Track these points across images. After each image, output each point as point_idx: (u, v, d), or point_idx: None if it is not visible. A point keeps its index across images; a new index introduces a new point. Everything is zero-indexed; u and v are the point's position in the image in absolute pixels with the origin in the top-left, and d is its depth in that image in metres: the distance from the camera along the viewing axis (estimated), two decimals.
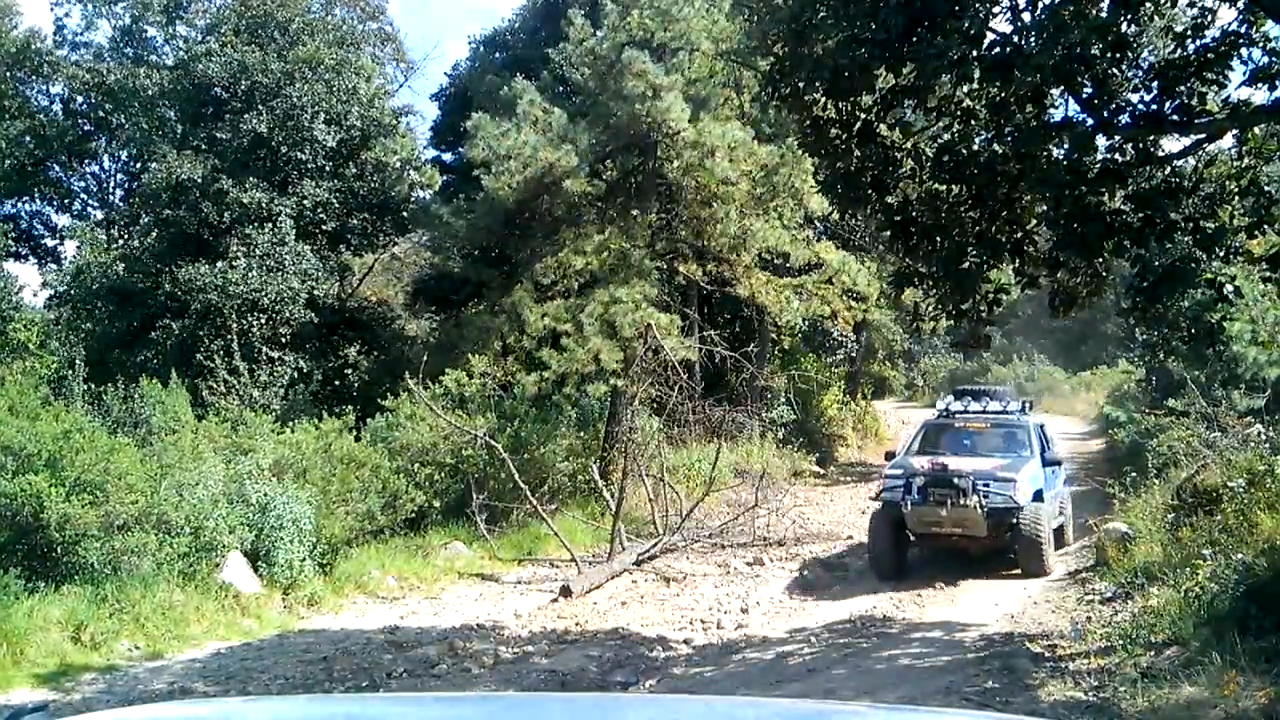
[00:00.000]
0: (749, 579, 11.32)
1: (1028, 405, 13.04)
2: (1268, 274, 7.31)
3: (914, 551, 11.43)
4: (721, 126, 15.64)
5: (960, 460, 11.06)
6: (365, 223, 21.33)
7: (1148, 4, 6.38)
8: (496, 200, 15.87)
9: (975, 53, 6.21)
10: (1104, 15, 6.12)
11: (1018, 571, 10.81)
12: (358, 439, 14.67)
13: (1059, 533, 11.82)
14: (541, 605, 10.74)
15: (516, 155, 15.41)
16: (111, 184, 25.02)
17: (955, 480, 10.39)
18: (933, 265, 7.55)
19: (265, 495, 11.46)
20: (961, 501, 10.24)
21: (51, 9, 24.39)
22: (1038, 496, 10.74)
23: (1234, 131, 6.85)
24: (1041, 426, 12.59)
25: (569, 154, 15.37)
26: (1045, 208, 6.98)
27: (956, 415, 12.44)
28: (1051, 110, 6.70)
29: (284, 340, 18.65)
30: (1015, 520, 10.40)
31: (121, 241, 20.06)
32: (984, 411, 12.29)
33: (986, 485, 10.42)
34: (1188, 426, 12.52)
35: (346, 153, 20.84)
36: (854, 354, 26.12)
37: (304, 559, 11.31)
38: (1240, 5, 6.38)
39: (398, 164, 21.62)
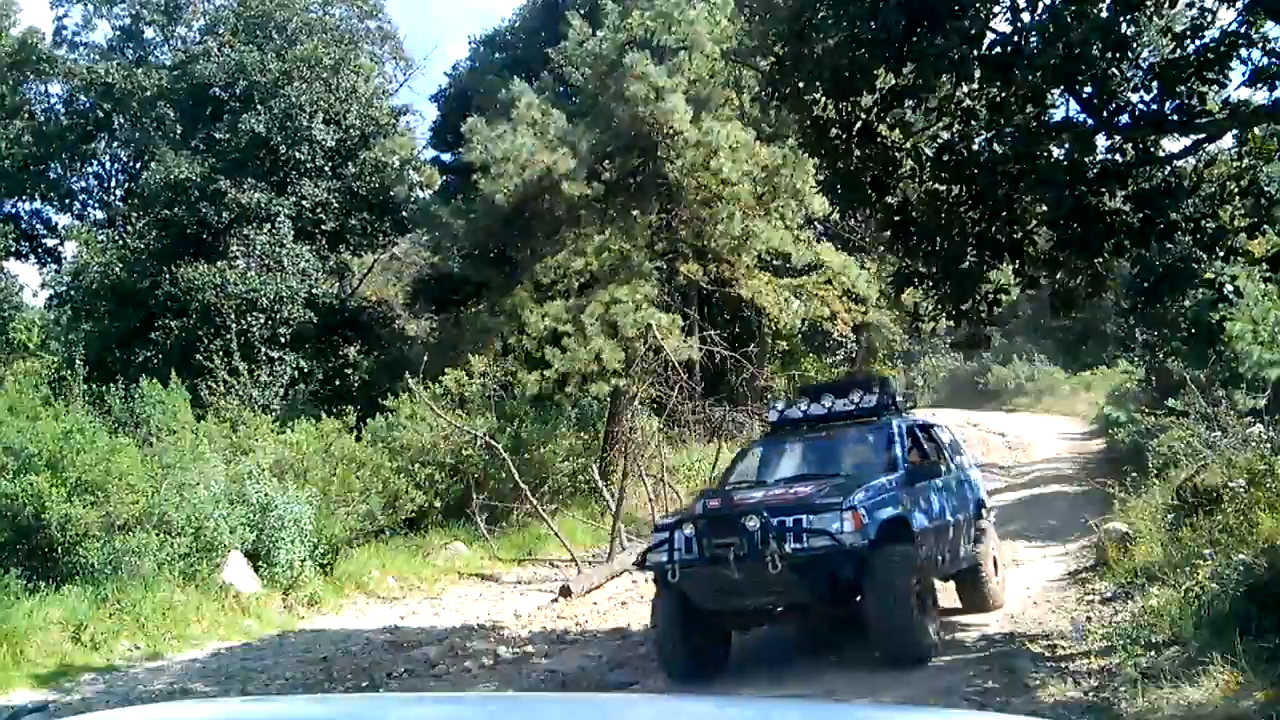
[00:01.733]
0: None
1: (902, 398, 9.59)
2: (1268, 274, 7.32)
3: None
4: (724, 127, 15.65)
5: (768, 491, 7.81)
6: (365, 223, 21.33)
7: (1148, 4, 6.38)
8: (495, 202, 15.89)
9: (975, 53, 6.21)
10: (1104, 15, 6.12)
11: (1015, 575, 10.74)
12: (358, 439, 14.68)
13: (969, 583, 8.77)
14: (541, 605, 10.74)
15: (514, 158, 15.41)
16: (111, 184, 25.04)
17: (741, 520, 7.00)
18: (933, 265, 7.56)
19: (266, 495, 11.47)
20: (754, 553, 6.90)
21: (51, 9, 24.34)
22: (896, 530, 7.36)
23: (1234, 131, 6.85)
24: (926, 426, 9.26)
25: (566, 156, 15.38)
26: (1045, 208, 6.98)
27: (792, 424, 9.04)
28: (1051, 110, 6.71)
29: (284, 340, 18.66)
30: (854, 573, 7.05)
31: (121, 241, 20.04)
32: (830, 413, 8.75)
33: (795, 522, 7.04)
34: (1188, 426, 12.50)
35: (345, 152, 20.84)
36: (854, 354, 26.11)
37: (304, 559, 11.32)
38: (1240, 6, 6.38)
39: (397, 164, 21.61)
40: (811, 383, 20.62)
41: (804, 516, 7.10)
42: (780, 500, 7.43)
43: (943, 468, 8.77)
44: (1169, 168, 7.04)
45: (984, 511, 9.51)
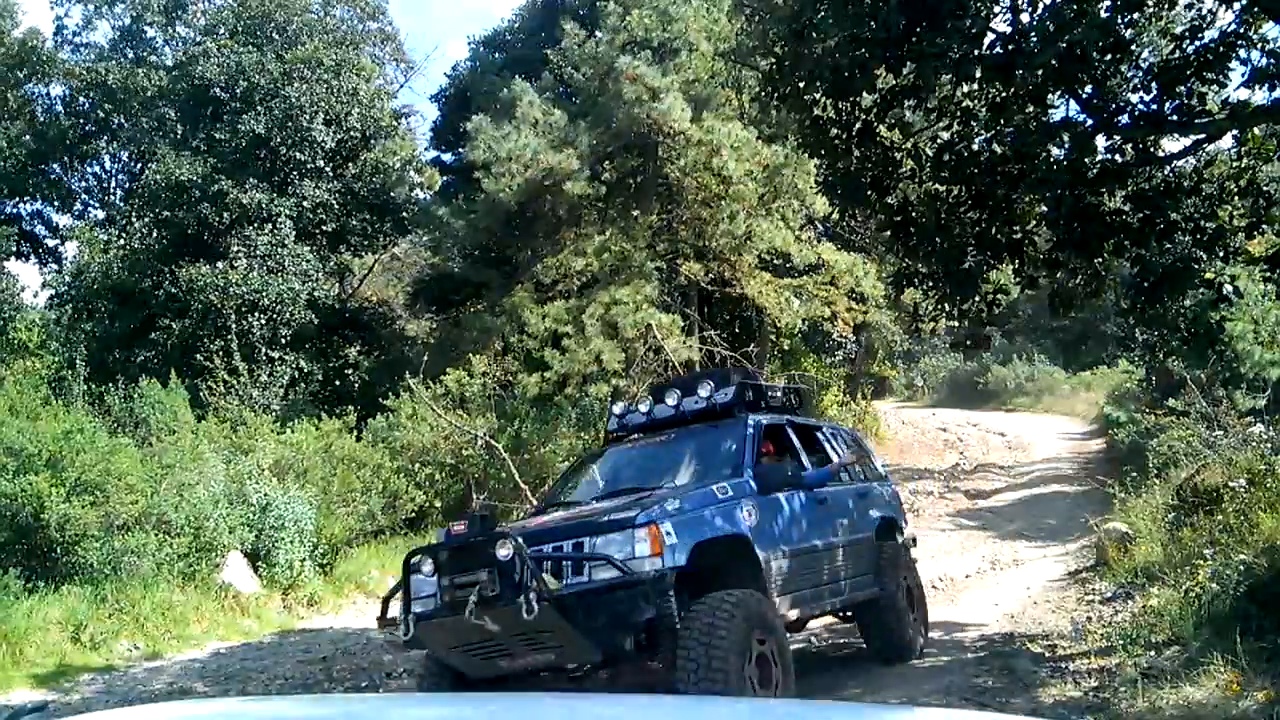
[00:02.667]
0: None
1: (783, 393, 8.05)
2: (1268, 274, 7.32)
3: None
4: (725, 125, 15.65)
5: (571, 511, 6.47)
6: (365, 223, 21.34)
7: (1148, 5, 6.38)
8: (497, 202, 15.89)
9: (975, 53, 6.21)
10: (1104, 15, 6.12)
11: (1015, 575, 10.76)
12: (358, 439, 14.68)
13: (870, 623, 7.32)
14: None
15: (517, 158, 15.42)
16: (112, 184, 25.05)
17: (490, 550, 5.30)
18: (933, 265, 7.56)
19: (265, 496, 11.47)
20: (507, 593, 5.23)
21: (51, 9, 24.37)
22: (728, 554, 5.91)
23: (1234, 132, 6.85)
24: (809, 426, 7.82)
25: (569, 157, 15.39)
26: (1045, 208, 6.99)
27: (637, 429, 7.65)
28: (1051, 110, 6.71)
29: (284, 340, 18.66)
30: (660, 612, 5.34)
31: (122, 242, 20.05)
32: (679, 414, 7.31)
33: (574, 547, 5.50)
34: (1188, 426, 12.51)
35: (346, 153, 20.85)
36: (854, 354, 26.11)
37: (304, 559, 11.32)
38: (1239, 6, 6.38)
39: (398, 165, 21.62)
40: (813, 381, 20.62)
41: (585, 540, 5.47)
42: (563, 521, 5.97)
43: (825, 476, 7.15)
44: (1169, 168, 7.04)
45: (898, 533, 8.01)
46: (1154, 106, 6.47)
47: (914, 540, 8.50)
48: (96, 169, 24.92)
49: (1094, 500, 12.96)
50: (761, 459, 6.81)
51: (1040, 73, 6.06)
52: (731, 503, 6.09)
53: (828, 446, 7.70)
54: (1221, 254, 7.07)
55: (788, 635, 6.09)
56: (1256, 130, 6.76)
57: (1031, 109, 6.56)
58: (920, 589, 7.97)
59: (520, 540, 5.30)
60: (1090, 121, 6.64)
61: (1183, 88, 6.32)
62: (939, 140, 7.42)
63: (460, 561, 5.44)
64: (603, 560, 5.32)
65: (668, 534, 5.45)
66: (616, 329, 14.81)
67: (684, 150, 15.97)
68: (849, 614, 7.53)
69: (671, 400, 7.40)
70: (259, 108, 19.43)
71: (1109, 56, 6.15)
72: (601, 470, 7.38)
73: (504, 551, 5.25)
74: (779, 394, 7.98)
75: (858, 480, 7.85)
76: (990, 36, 6.37)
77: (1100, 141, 6.86)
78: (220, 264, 18.44)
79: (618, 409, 7.91)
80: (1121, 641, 6.70)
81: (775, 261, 17.95)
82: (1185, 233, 6.89)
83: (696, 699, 4.23)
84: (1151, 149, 7.01)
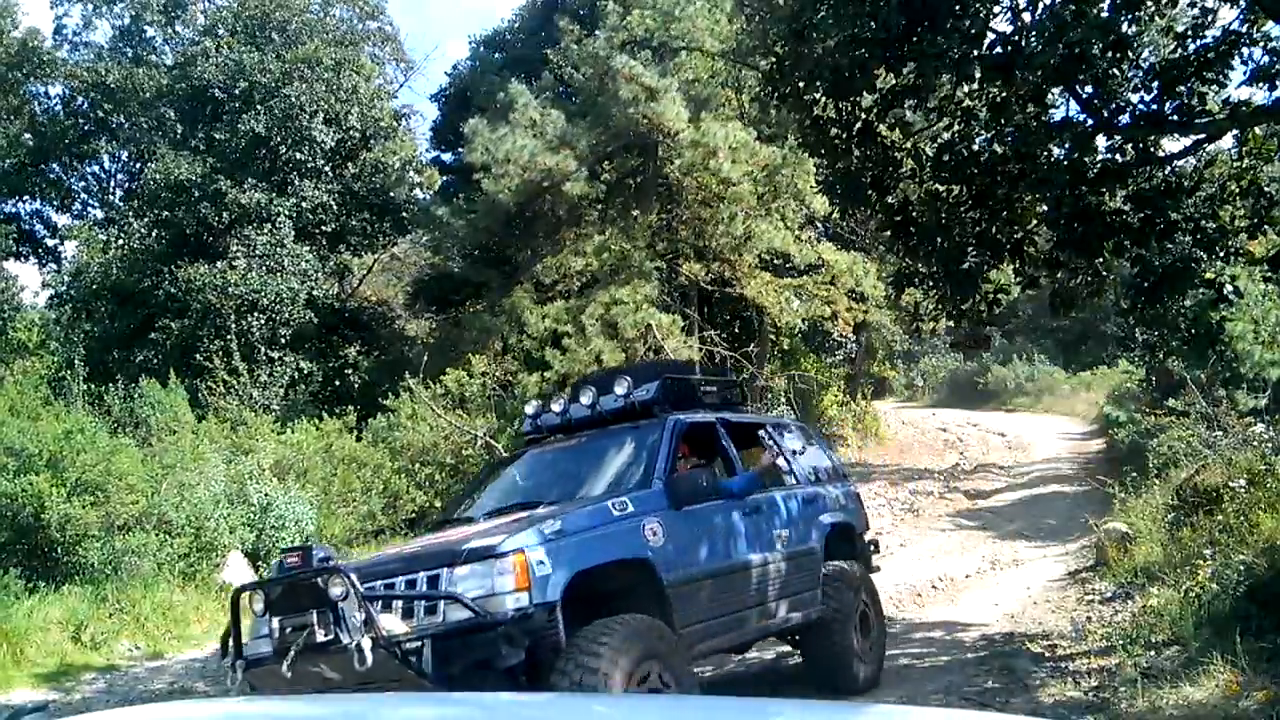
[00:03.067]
0: None
1: (717, 388, 7.21)
2: (1268, 274, 7.33)
3: None
4: (723, 127, 15.65)
5: (452, 532, 5.66)
6: (365, 223, 21.34)
7: (1148, 4, 6.38)
8: (496, 203, 15.90)
9: (975, 53, 6.21)
10: (1104, 15, 6.12)
11: (1015, 575, 10.77)
12: (358, 439, 14.68)
13: (815, 649, 6.53)
14: None
15: (514, 160, 15.43)
16: (112, 184, 25.06)
17: (323, 586, 4.53)
18: (933, 265, 7.56)
19: (266, 495, 11.47)
20: (341, 640, 4.46)
21: (51, 8, 24.37)
22: (620, 582, 5.16)
23: (1234, 131, 6.85)
24: (747, 425, 7.12)
25: (567, 158, 15.39)
26: (1045, 208, 6.98)
27: (553, 431, 6.86)
28: (1051, 110, 6.71)
29: (284, 340, 18.67)
30: (532, 657, 4.64)
31: (121, 241, 20.06)
32: (596, 414, 6.51)
33: (430, 581, 4.72)
34: (1188, 426, 12.51)
35: (346, 153, 20.85)
36: (854, 354, 26.11)
37: None
38: (1240, 5, 6.38)
39: (397, 164, 21.63)
40: (813, 381, 20.61)
41: (442, 573, 4.65)
42: (420, 550, 5.23)
43: (750, 483, 6.31)
44: (1169, 168, 7.04)
45: (854, 541, 7.24)
46: (1154, 106, 6.47)
47: (875, 546, 7.74)
48: (96, 169, 24.95)
49: (1094, 500, 12.96)
50: (683, 464, 6.12)
51: (1040, 73, 6.06)
52: (631, 520, 5.24)
53: (773, 446, 6.88)
54: (1222, 254, 7.07)
55: (690, 661, 5.23)
56: (1257, 130, 6.76)
57: (1032, 109, 6.56)
58: (878, 608, 7.07)
59: (352, 576, 4.49)
60: (1090, 121, 6.64)
61: (1183, 87, 6.32)
62: (939, 140, 7.41)
63: (292, 600, 4.65)
64: (454, 598, 4.54)
65: (539, 564, 4.65)
66: (616, 329, 14.81)
67: (682, 151, 15.97)
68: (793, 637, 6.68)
69: (587, 399, 6.55)
70: (259, 107, 19.43)
71: (1109, 56, 6.15)
72: (503, 480, 6.69)
73: (336, 589, 4.47)
74: (714, 389, 7.14)
75: (806, 483, 6.96)
76: (990, 36, 6.37)
77: (1100, 141, 6.87)
78: (220, 264, 18.45)
79: (530, 408, 7.09)
80: (1121, 641, 6.70)
81: (775, 261, 17.96)
82: (1185, 233, 6.89)
83: (697, 699, 4.22)
84: (1152, 149, 7.00)
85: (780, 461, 6.88)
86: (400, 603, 4.71)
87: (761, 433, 7.07)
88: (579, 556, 4.91)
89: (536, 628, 4.59)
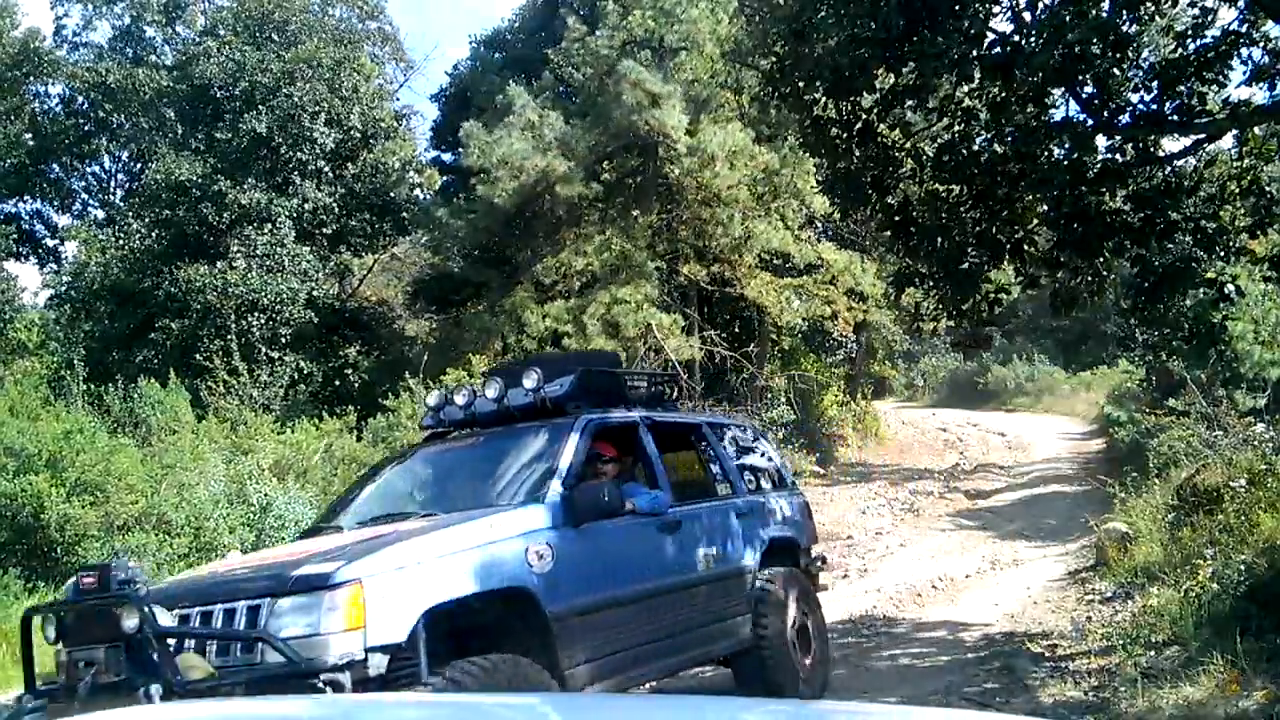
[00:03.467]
0: None
1: (647, 383, 6.51)
2: (1269, 274, 7.32)
3: None
4: (722, 131, 15.65)
5: (310, 544, 4.86)
6: (365, 223, 21.35)
7: (1148, 4, 6.38)
8: (493, 205, 15.91)
9: (976, 52, 6.21)
10: (1104, 15, 6.12)
11: (1015, 575, 10.77)
12: (358, 439, 14.68)
13: (750, 672, 5.89)
14: None
15: (509, 162, 15.43)
16: (112, 184, 25.08)
17: (117, 614, 3.82)
18: (933, 265, 7.55)
19: (266, 496, 11.47)
20: (133, 682, 3.73)
21: (51, 9, 24.38)
22: (493, 616, 4.44)
23: (1234, 131, 6.85)
24: (676, 425, 6.37)
25: (560, 159, 15.39)
26: (1045, 208, 6.98)
27: (452, 424, 6.10)
28: (1051, 110, 6.70)
29: (284, 340, 18.68)
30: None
31: (122, 241, 20.07)
32: (502, 409, 5.74)
33: (249, 612, 3.97)
34: (1188, 426, 12.51)
35: (346, 153, 20.86)
36: (854, 354, 26.12)
37: None
38: (1240, 5, 6.38)
39: (397, 165, 21.63)
40: (813, 381, 20.58)
41: (262, 603, 3.90)
42: (240, 574, 4.51)
43: (657, 502, 5.47)
44: (1169, 168, 7.03)
45: (798, 556, 6.56)
46: (1154, 106, 6.47)
47: (823, 561, 7.06)
48: (96, 169, 24.97)
49: (1094, 500, 12.96)
50: (607, 469, 5.44)
51: (1040, 73, 6.06)
52: (511, 541, 4.48)
53: (711, 450, 6.28)
54: (1222, 254, 7.07)
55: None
56: (1257, 130, 6.76)
57: (1032, 109, 6.55)
58: (820, 626, 6.45)
59: (150, 608, 3.79)
60: (1090, 121, 6.64)
61: (1183, 87, 6.32)
62: (939, 140, 7.41)
63: (84, 628, 3.98)
64: (274, 637, 3.78)
65: (380, 598, 3.87)
66: (618, 328, 14.81)
67: (680, 157, 15.97)
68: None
69: (493, 391, 5.73)
70: (259, 107, 19.44)
71: (1109, 56, 6.14)
72: (387, 481, 5.87)
73: (130, 621, 3.75)
74: (643, 385, 6.39)
75: (744, 492, 6.26)
76: (990, 36, 6.37)
77: (1100, 141, 6.86)
78: (220, 264, 18.45)
79: (432, 399, 6.23)
80: (1121, 641, 6.70)
81: (775, 261, 17.96)
82: (1185, 233, 6.88)
83: (698, 699, 4.22)
84: (1152, 149, 7.00)
85: (715, 469, 6.27)
86: (157, 646, 3.79)
87: (699, 434, 6.38)
88: (438, 587, 4.09)
89: (373, 677, 3.78)
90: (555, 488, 4.90)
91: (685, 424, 6.55)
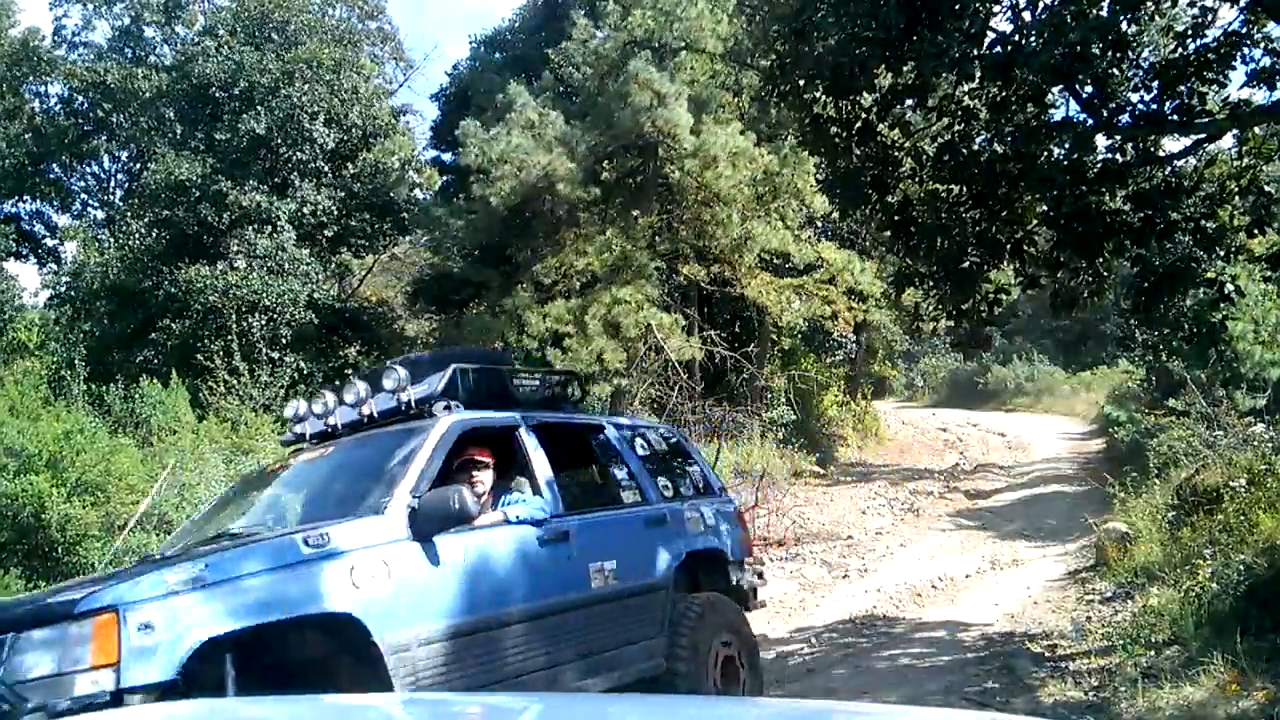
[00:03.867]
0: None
1: (538, 382, 5.78)
2: (1269, 273, 7.33)
3: None
4: (723, 132, 15.65)
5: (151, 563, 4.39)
6: (365, 224, 21.34)
7: (1148, 4, 6.38)
8: (492, 205, 15.90)
9: (976, 52, 6.21)
10: (1104, 15, 6.12)
11: (1015, 575, 10.77)
12: None
13: None
14: None
15: (508, 160, 15.42)
16: (112, 184, 25.08)
17: None
18: (933, 265, 7.55)
19: None
20: None
21: (50, 9, 24.38)
22: (320, 647, 4.03)
23: (1234, 131, 6.85)
24: (530, 426, 5.27)
25: (563, 158, 15.38)
26: (1045, 208, 6.98)
27: (314, 436, 5.50)
28: (1051, 110, 6.71)
29: (285, 341, 18.67)
30: None
31: (121, 242, 20.07)
32: (364, 417, 5.20)
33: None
34: (1188, 426, 12.51)
35: (346, 153, 20.84)
36: (854, 354, 26.13)
37: None
38: (1241, 5, 6.38)
39: (397, 165, 21.63)
40: (813, 381, 20.57)
41: (5, 639, 3.40)
42: (13, 600, 4.04)
43: (567, 497, 5.12)
44: (1169, 168, 7.04)
45: (730, 573, 5.83)
46: (1154, 106, 6.47)
47: (759, 575, 6.20)
48: (96, 169, 24.96)
49: (1094, 500, 12.97)
50: (472, 479, 4.82)
51: (1040, 72, 6.06)
52: (329, 560, 3.89)
53: (616, 454, 5.66)
54: (1222, 254, 7.07)
55: None
56: (1257, 130, 6.76)
57: (1032, 109, 6.56)
58: (752, 653, 5.71)
59: None
60: (1090, 121, 6.64)
61: (1183, 87, 6.32)
62: (939, 140, 7.41)
63: None
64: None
65: (143, 628, 3.33)
66: (618, 329, 14.81)
67: (682, 158, 15.97)
68: None
69: (351, 397, 5.16)
70: (259, 108, 19.42)
71: (1109, 56, 6.15)
72: (237, 503, 5.35)
73: None
74: (533, 384, 5.69)
75: (658, 500, 5.62)
76: (990, 35, 6.37)
77: (1100, 141, 6.87)
78: (220, 265, 18.44)
79: (291, 410, 5.56)
80: (1121, 641, 6.71)
81: (775, 261, 17.96)
82: (1185, 233, 6.88)
83: (698, 699, 4.21)
84: (1152, 149, 7.00)
85: (620, 474, 5.61)
86: None
87: (598, 438, 5.73)
88: (224, 614, 3.52)
89: None
90: (400, 497, 4.28)
91: (583, 426, 5.86)
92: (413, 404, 5.03)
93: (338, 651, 3.94)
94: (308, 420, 5.46)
